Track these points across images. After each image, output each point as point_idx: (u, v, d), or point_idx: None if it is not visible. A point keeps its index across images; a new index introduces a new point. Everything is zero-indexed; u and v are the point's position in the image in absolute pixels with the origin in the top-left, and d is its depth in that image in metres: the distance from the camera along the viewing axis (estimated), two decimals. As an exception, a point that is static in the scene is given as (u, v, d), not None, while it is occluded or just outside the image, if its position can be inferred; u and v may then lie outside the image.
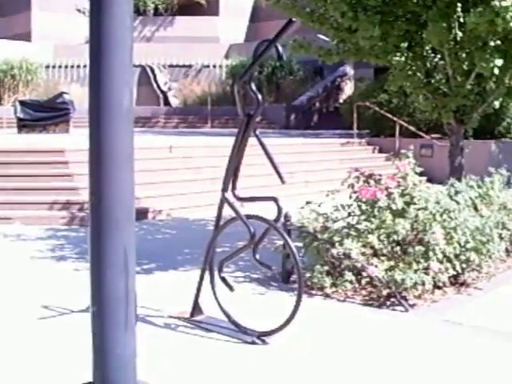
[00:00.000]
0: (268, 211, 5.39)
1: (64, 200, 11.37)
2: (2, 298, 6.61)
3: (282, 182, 5.24)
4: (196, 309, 5.79)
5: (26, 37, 32.79)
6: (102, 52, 2.70)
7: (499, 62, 8.13)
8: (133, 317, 3.64)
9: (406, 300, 6.25)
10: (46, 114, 21.28)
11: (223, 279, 5.58)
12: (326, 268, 6.69)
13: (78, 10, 32.19)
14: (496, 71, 8.16)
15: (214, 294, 5.66)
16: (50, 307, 6.11)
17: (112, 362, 3.52)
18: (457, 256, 6.58)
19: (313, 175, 15.34)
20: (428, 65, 9.26)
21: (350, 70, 27.96)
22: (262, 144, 5.37)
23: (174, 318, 5.81)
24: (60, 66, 31.80)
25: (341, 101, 26.30)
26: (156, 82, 31.84)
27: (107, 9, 2.66)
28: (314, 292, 6.61)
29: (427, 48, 9.13)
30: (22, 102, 21.88)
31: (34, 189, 11.65)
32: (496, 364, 4.91)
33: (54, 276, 7.44)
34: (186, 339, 5.37)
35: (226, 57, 32.46)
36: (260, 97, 5.45)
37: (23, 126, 21.09)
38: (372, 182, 6.96)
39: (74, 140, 14.85)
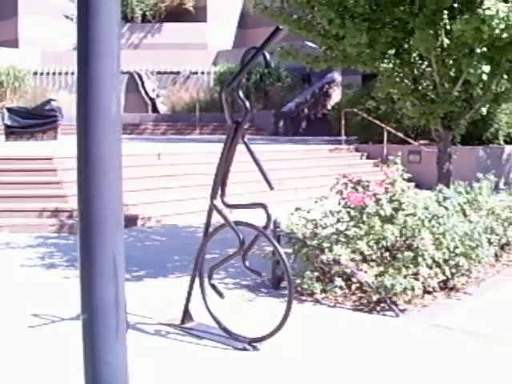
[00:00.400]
0: (257, 218, 5.39)
1: (53, 208, 11.33)
2: (-8, 306, 6.59)
3: (271, 188, 5.26)
4: (186, 316, 5.79)
5: (13, 43, 32.70)
6: (89, 59, 2.70)
7: (486, 68, 8.19)
8: (123, 324, 3.64)
9: (396, 305, 6.27)
10: (33, 121, 21.20)
11: (213, 286, 5.58)
12: (316, 274, 6.71)
13: (66, 17, 32.17)
14: (484, 77, 8.21)
15: (205, 300, 5.67)
16: (40, 315, 6.09)
17: (103, 370, 3.51)
18: (446, 261, 6.61)
19: (301, 182, 15.37)
20: (415, 71, 9.31)
21: (337, 76, 28.05)
22: (250, 151, 5.38)
23: (164, 325, 5.80)
24: (48, 73, 31.73)
25: (329, 107, 26.39)
26: (144, 88, 31.82)
27: (95, 16, 2.66)
28: (304, 298, 6.62)
29: (414, 55, 9.18)
30: (9, 109, 21.79)
31: (23, 196, 11.60)
32: (487, 369, 4.93)
33: (43, 284, 7.42)
34: (177, 346, 5.36)
35: (214, 63, 32.49)
36: (248, 104, 5.47)
37: (11, 133, 21.00)
38: (360, 188, 6.98)
39: (62, 147, 14.82)
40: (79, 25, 2.69)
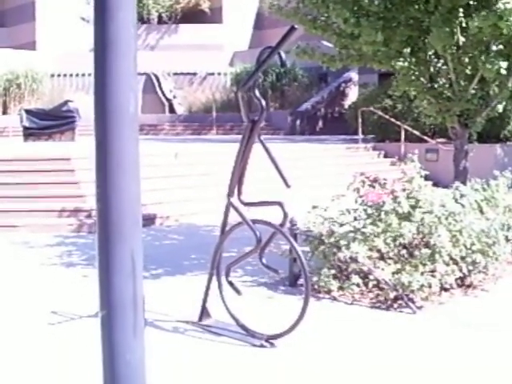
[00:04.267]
0: (274, 215, 5.43)
1: (71, 207, 11.43)
2: (13, 304, 6.68)
3: (287, 186, 5.29)
4: (204, 313, 5.83)
5: (31, 46, 32.89)
6: (106, 59, 2.74)
7: (504, 64, 8.17)
8: (141, 321, 3.68)
9: (413, 302, 6.27)
10: (51, 123, 21.30)
11: (230, 283, 5.63)
12: (333, 271, 6.73)
13: (83, 19, 32.32)
14: (503, 72, 8.19)
15: (222, 298, 5.71)
16: (59, 313, 6.17)
17: (122, 367, 3.55)
18: (463, 258, 6.61)
19: (318, 180, 15.36)
20: (431, 70, 9.30)
21: (354, 75, 27.99)
22: (266, 149, 5.42)
23: (182, 323, 5.85)
24: (65, 75, 31.85)
25: (345, 106, 26.32)
26: (161, 89, 31.88)
27: (111, 17, 2.70)
28: (321, 295, 6.64)
29: (430, 53, 9.17)
30: (27, 111, 21.91)
31: (41, 197, 11.71)
32: (506, 365, 4.93)
33: (63, 282, 7.50)
34: (195, 343, 5.41)
35: (231, 64, 32.51)
36: (264, 103, 5.51)
37: (29, 134, 21.13)
38: (377, 186, 7.00)
39: (80, 148, 14.92)
40: (96, 26, 2.73)
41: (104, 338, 3.70)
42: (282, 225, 5.41)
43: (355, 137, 20.53)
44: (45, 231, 10.65)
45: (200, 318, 5.82)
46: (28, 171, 12.50)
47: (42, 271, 8.08)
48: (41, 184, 12.05)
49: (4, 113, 28.81)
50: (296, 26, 5.27)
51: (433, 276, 6.33)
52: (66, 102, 22.05)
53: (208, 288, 5.81)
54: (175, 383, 4.56)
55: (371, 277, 6.50)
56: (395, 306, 6.34)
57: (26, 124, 21.26)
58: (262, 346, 5.28)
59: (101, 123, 2.94)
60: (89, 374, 4.13)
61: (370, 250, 6.61)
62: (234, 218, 5.70)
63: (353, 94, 27.65)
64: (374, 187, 7.03)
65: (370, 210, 6.94)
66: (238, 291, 5.57)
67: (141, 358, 3.79)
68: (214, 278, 5.79)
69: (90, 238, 10.07)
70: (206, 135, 27.13)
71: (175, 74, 32.33)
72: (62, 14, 33.15)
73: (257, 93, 5.54)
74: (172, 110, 31.70)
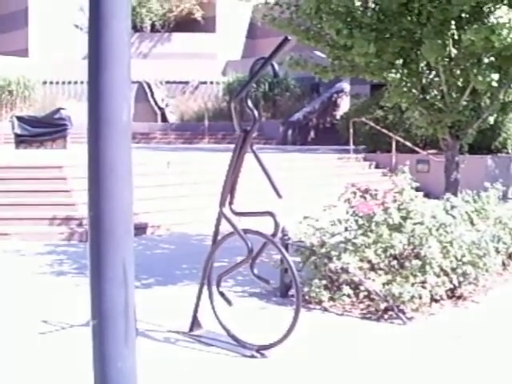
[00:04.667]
0: (266, 226, 5.43)
1: (63, 216, 11.40)
2: (4, 312, 6.64)
3: (279, 196, 5.30)
4: (195, 323, 5.82)
5: (23, 53, 32.86)
6: (100, 67, 2.75)
7: (495, 76, 8.23)
8: (133, 330, 3.67)
9: (403, 313, 6.29)
10: (43, 130, 21.23)
11: (221, 294, 5.62)
12: (324, 282, 6.73)
13: (76, 26, 32.30)
14: (494, 84, 8.25)
15: (213, 308, 5.71)
16: (50, 322, 6.14)
17: (113, 376, 3.54)
18: (453, 269, 6.63)
19: (310, 190, 15.38)
20: (423, 81, 9.35)
21: (346, 86, 28.08)
22: (258, 159, 5.43)
23: (173, 333, 5.84)
24: (57, 82, 31.82)
25: (337, 117, 26.38)
26: (153, 98, 31.87)
27: (106, 25, 2.71)
28: (312, 306, 6.65)
29: (422, 65, 9.22)
30: (19, 118, 21.84)
31: (33, 204, 11.68)
32: (494, 377, 4.94)
33: (54, 291, 7.47)
34: (185, 353, 5.40)
35: (223, 73, 32.55)
36: (256, 113, 5.53)
37: (21, 141, 21.06)
38: (368, 196, 7.02)
39: (72, 156, 14.90)
40: (90, 33, 2.74)
41: (95, 346, 3.69)
42: (273, 235, 5.42)
43: (347, 147, 20.58)
44: (36, 239, 10.62)
45: (191, 329, 5.81)
46: (19, 179, 12.46)
47: (33, 280, 8.05)
48: (32, 192, 12.02)
49: (-5, 120, 28.77)
50: (289, 37, 5.30)
51: (423, 287, 6.35)
52: (58, 110, 22.00)
53: (199, 298, 5.80)
54: (165, 393, 4.55)
55: (362, 288, 6.51)
56: (386, 317, 6.35)
57: (18, 131, 21.20)
58: (252, 356, 5.28)
59: (94, 131, 2.94)
60: (80, 382, 4.12)
61: (361, 260, 6.63)
62: (225, 227, 5.70)
63: (345, 105, 27.74)
64: (365, 198, 7.04)
65: (361, 221, 6.95)
66: (228, 302, 5.57)
67: (132, 366, 3.77)
68: (205, 288, 5.78)
69: (80, 246, 10.05)
70: (198, 144, 27.15)
71: (167, 82, 32.35)
72: (54, 21, 33.13)
73: (249, 103, 5.56)
74: (164, 119, 31.70)
